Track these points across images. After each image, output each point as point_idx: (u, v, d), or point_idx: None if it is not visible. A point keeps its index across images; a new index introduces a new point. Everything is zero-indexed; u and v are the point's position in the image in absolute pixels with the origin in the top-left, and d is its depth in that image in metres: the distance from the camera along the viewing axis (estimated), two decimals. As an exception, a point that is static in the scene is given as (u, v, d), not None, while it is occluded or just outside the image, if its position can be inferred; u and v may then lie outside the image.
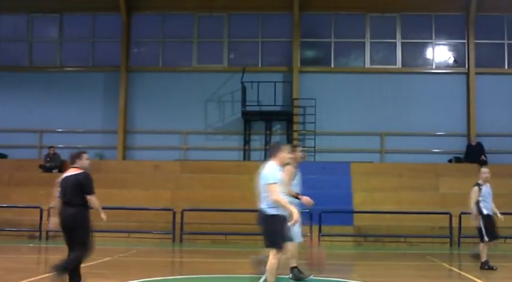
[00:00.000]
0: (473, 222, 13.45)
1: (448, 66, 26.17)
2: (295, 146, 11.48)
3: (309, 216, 19.00)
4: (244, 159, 25.59)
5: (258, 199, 9.07)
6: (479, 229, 13.26)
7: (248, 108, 25.06)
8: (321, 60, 26.67)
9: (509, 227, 19.19)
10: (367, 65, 26.12)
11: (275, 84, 25.21)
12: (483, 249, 13.28)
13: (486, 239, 13.17)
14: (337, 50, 26.33)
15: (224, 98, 25.89)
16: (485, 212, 13.24)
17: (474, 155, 24.12)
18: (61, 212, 9.69)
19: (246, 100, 25.06)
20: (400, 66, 26.00)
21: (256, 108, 25.02)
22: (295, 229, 10.34)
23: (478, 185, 13.38)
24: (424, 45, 26.34)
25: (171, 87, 26.15)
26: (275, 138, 25.70)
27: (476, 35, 25.63)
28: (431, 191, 22.59)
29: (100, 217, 9.87)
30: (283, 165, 9.37)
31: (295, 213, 8.72)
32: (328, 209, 19.77)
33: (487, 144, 24.52)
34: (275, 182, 8.82)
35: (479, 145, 24.43)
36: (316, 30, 26.58)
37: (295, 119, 25.32)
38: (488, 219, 13.23)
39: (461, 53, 26.04)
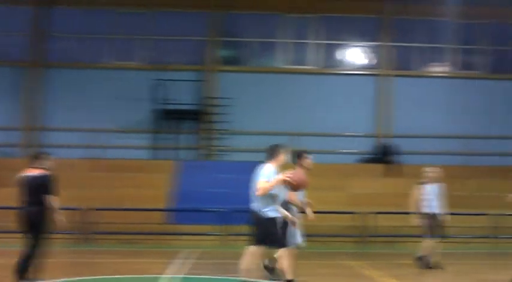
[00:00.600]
0: (415, 221, 13.45)
1: (361, 68, 26.58)
2: (304, 152, 10.87)
3: (219, 216, 18.91)
4: (155, 158, 25.24)
5: (252, 201, 9.42)
6: (423, 227, 13.33)
7: (160, 107, 24.75)
8: (238, 59, 26.62)
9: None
10: (283, 65, 26.21)
11: (188, 83, 25.00)
12: (426, 247, 13.33)
13: (428, 237, 13.23)
14: (254, 50, 26.34)
15: (136, 95, 25.38)
16: (427, 210, 13.28)
17: (382, 155, 24.60)
18: (21, 210, 10.02)
19: (158, 98, 24.74)
20: (315, 67, 26.22)
21: (169, 107, 24.71)
22: (294, 231, 10.49)
23: (422, 183, 13.44)
24: (338, 47, 26.66)
25: (84, 84, 25.49)
26: (187, 138, 25.49)
27: (390, 37, 26.14)
28: (339, 191, 22.79)
29: (56, 218, 10.16)
30: (281, 167, 9.52)
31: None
32: (240, 209, 19.67)
33: (400, 145, 25.02)
34: (264, 179, 9.10)
35: (388, 146, 24.92)
36: (234, 30, 26.51)
37: (209, 118, 25.17)
38: (430, 218, 13.24)
39: (374, 55, 26.53)
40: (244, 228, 19.57)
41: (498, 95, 26.19)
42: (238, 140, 25.25)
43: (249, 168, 23.96)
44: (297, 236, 10.66)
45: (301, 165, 10.21)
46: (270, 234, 9.30)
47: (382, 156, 24.71)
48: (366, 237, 20.23)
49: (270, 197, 9.32)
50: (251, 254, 9.52)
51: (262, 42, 26.32)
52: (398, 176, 23.54)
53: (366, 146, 25.62)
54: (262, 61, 26.59)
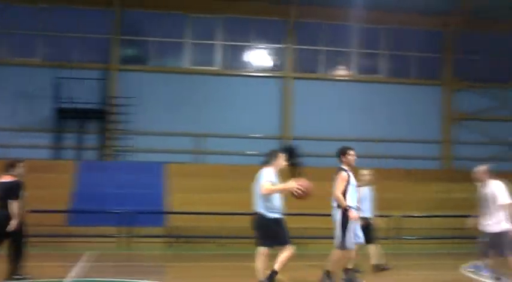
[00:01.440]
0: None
1: (266, 69, 26.77)
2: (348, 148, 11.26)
3: (120, 217, 18.61)
4: (56, 157, 24.59)
5: (254, 204, 9.95)
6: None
7: (62, 105, 24.13)
8: (142, 59, 26.33)
9: (327, 228, 20.03)
10: (188, 65, 26.06)
11: (91, 82, 24.51)
12: (372, 251, 13.14)
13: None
14: (159, 50, 26.09)
15: (38, 93, 24.66)
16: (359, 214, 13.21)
17: (289, 157, 24.77)
18: None
19: (61, 97, 24.12)
20: (221, 68, 26.21)
21: (71, 106, 24.12)
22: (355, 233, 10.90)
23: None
24: (244, 48, 26.74)
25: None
26: (90, 137, 24.99)
27: (295, 40, 26.42)
28: (247, 193, 22.79)
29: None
30: (279, 171, 10.07)
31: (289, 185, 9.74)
32: (139, 210, 19.49)
33: (303, 147, 25.29)
34: (267, 181, 9.74)
35: (294, 148, 25.14)
36: (139, 28, 26.16)
37: (111, 117, 24.75)
38: (361, 222, 12.87)
39: (279, 58, 26.77)
40: (146, 230, 19.61)
41: (399, 98, 26.89)
42: (141, 140, 24.92)
43: (151, 169, 23.94)
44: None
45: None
46: (273, 234, 9.80)
47: (287, 158, 24.83)
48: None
49: (272, 199, 9.88)
50: (261, 255, 9.98)
51: (167, 41, 26.06)
52: (302, 178, 23.74)
53: (271, 147, 25.66)
54: (168, 61, 26.37)
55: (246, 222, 20.11)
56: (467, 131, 27.38)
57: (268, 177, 9.85)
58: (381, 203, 17.26)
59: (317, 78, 26.64)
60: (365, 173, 13.44)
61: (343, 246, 10.53)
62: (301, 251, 18.63)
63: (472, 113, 27.41)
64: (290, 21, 26.18)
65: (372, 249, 13.06)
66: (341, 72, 27.56)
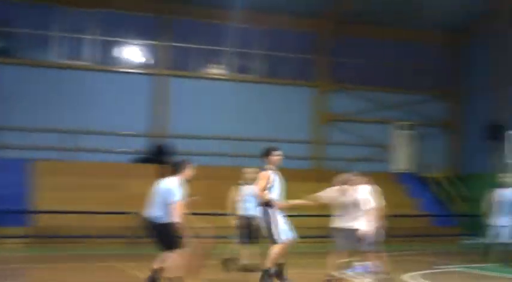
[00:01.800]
0: (232, 223, 13.08)
1: (139, 66, 26.30)
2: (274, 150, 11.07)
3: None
4: None
5: (148, 206, 9.79)
6: (237, 229, 13.00)
7: None
8: (8, 51, 24.83)
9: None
10: (57, 59, 25.05)
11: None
12: (242, 251, 12.99)
13: (239, 240, 12.95)
14: (26, 42, 24.89)
15: None
16: (241, 212, 12.98)
17: (157, 155, 24.49)
18: None
19: None
20: (91, 63, 25.40)
21: None
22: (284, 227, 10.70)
23: (238, 184, 13.18)
24: (116, 44, 26.10)
25: None
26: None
27: (169, 37, 26.10)
28: (112, 191, 22.33)
29: None
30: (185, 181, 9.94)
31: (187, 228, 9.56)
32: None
33: (176, 145, 25.02)
34: (180, 199, 9.56)
35: (163, 146, 24.88)
36: (6, 19, 24.79)
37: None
38: (244, 220, 12.93)
39: (152, 55, 26.37)
40: (9, 230, 18.75)
41: (273, 98, 27.15)
42: (6, 136, 23.76)
43: (14, 166, 22.89)
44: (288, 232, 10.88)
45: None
46: (167, 238, 9.69)
47: (158, 156, 24.55)
48: (140, 239, 19.93)
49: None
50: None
51: (36, 34, 24.94)
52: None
53: (142, 145, 25.35)
54: (36, 54, 25.23)
55: (116, 221, 19.90)
56: (339, 132, 27.99)
57: (179, 195, 9.71)
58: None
59: (191, 77, 26.42)
60: (249, 171, 13.26)
61: (276, 241, 10.53)
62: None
63: (345, 114, 28.07)
64: (165, 18, 25.79)
65: (249, 249, 12.98)
66: (216, 71, 27.50)
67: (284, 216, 10.85)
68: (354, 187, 11.49)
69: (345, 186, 10.98)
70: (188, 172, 10.10)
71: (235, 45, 27.11)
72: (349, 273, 11.85)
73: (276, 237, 10.55)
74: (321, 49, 27.88)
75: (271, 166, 10.88)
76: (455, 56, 29.80)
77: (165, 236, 9.75)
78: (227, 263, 13.11)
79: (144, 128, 25.52)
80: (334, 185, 10.96)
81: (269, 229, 10.61)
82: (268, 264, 10.53)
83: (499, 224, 14.41)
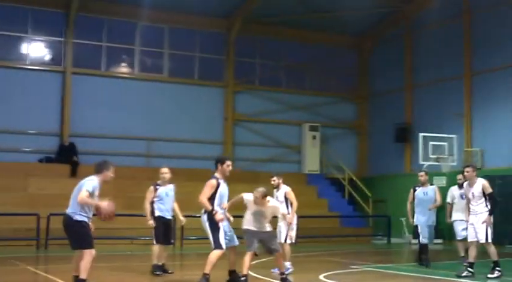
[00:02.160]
0: (149, 223, 12.69)
1: (44, 63, 25.40)
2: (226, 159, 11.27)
3: None
4: None
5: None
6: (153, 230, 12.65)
7: None
8: None
9: (128, 229, 19.41)
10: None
11: None
12: (155, 251, 12.61)
13: (155, 241, 12.61)
14: None
15: None
16: (157, 213, 12.65)
17: (66, 155, 23.79)
18: None
19: None
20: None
21: None
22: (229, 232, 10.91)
23: (154, 185, 12.83)
24: (19, 39, 25.09)
25: None
26: None
27: (75, 34, 25.31)
28: (19, 192, 21.53)
29: None
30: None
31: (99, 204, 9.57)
32: None
33: (80, 144, 24.35)
34: (87, 190, 9.51)
35: (72, 145, 24.19)
36: None
37: None
38: (159, 221, 12.61)
39: (58, 51, 25.51)
40: None
41: (182, 98, 26.83)
42: None
43: None
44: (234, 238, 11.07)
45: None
46: (78, 236, 9.61)
47: (65, 156, 23.81)
48: (48, 240, 19.25)
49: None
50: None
51: None
52: (80, 176, 22.96)
53: (50, 145, 24.48)
54: None
55: (22, 223, 19.14)
56: (248, 132, 27.99)
57: (89, 187, 9.62)
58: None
59: (98, 75, 25.72)
60: (164, 171, 13.03)
61: (216, 247, 10.64)
62: (104, 252, 17.95)
63: (254, 115, 28.07)
64: (71, 14, 24.96)
65: (161, 249, 12.66)
66: (123, 69, 26.95)
67: (227, 223, 10.95)
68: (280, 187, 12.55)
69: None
70: (108, 173, 9.98)
71: (145, 44, 26.70)
72: (276, 272, 11.87)
73: (216, 244, 10.67)
74: (230, 49, 27.79)
75: (219, 175, 10.98)
76: (363, 58, 30.39)
77: (74, 234, 9.66)
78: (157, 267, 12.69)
79: (52, 126, 24.64)
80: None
81: (211, 236, 10.74)
82: (207, 269, 10.61)
83: (418, 223, 14.64)
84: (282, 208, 12.35)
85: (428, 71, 26.85)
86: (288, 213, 12.76)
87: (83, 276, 9.48)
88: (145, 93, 26.22)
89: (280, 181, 13.18)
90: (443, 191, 24.06)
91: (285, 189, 13.08)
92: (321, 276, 12.20)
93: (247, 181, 22.73)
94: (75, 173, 23.37)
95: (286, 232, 12.96)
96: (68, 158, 23.66)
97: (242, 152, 27.73)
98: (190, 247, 20.50)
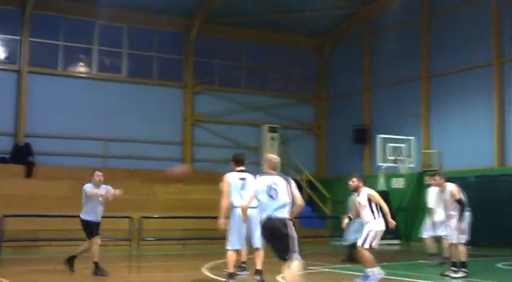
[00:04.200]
0: None
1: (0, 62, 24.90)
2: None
3: None
4: None
5: None
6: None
7: None
8: None
9: (49, 230, 19.05)
10: None
11: None
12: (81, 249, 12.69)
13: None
14: None
15: None
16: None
17: (21, 155, 23.34)
18: None
19: None
20: None
21: None
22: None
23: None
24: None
25: None
26: None
27: (31, 33, 24.83)
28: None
29: None
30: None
31: None
32: None
33: (37, 145, 23.90)
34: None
35: (27, 146, 23.73)
36: None
37: None
38: (88, 222, 12.59)
39: (14, 50, 25.00)
40: None
41: (141, 99, 26.54)
42: None
43: None
44: None
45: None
46: None
47: (20, 156, 23.35)
48: (1, 242, 18.80)
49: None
50: None
51: None
52: (35, 177, 22.62)
53: (4, 145, 23.97)
54: None
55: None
56: (207, 133, 27.82)
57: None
58: (123, 204, 17.04)
59: (55, 74, 25.28)
60: (99, 174, 12.81)
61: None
62: (32, 254, 17.61)
63: (213, 115, 27.93)
64: (27, 12, 24.49)
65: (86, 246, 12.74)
66: (81, 69, 26.56)
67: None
68: None
69: None
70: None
71: (103, 43, 26.36)
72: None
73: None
74: (189, 49, 27.60)
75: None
76: (323, 60, 30.44)
77: None
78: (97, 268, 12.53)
79: (8, 126, 24.13)
80: None
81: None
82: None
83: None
84: (367, 214, 11.77)
85: (387, 72, 27.03)
86: (374, 218, 11.74)
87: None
88: (104, 93, 25.85)
89: (361, 183, 12.00)
90: (401, 193, 24.43)
91: (367, 191, 11.90)
92: (279, 277, 12.11)
93: (205, 182, 22.63)
94: (31, 173, 22.96)
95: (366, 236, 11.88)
96: (23, 158, 23.21)
97: (201, 153, 27.57)
98: (148, 248, 20.29)
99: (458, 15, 24.26)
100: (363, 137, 27.20)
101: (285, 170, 28.50)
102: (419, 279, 12.28)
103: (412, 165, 23.84)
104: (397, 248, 22.25)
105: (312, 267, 14.50)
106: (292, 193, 8.81)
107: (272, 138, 28.41)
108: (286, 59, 29.81)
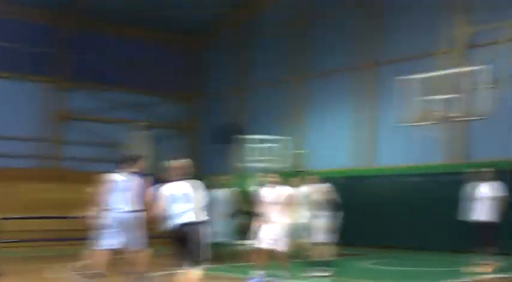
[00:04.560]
0: None
1: None
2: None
3: None
4: None
5: None
6: None
7: None
8: None
9: None
10: None
11: None
12: None
13: None
14: None
15: None
16: None
17: None
18: None
19: None
20: None
21: None
22: None
23: None
24: None
25: None
26: None
27: None
28: None
29: None
30: None
31: None
32: None
33: None
34: None
35: None
36: None
37: None
38: None
39: None
40: None
41: (5, 93, 25.25)
42: None
43: None
44: None
45: None
46: None
47: None
48: None
49: None
50: None
51: None
52: None
53: None
54: None
55: None
56: (76, 130, 26.99)
57: None
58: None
59: None
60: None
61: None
62: None
63: (82, 113, 27.11)
64: None
65: None
66: None
67: None
68: None
69: None
70: None
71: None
72: None
73: None
74: (60, 43, 26.61)
75: None
76: (194, 59, 30.22)
77: None
78: None
79: None
80: None
81: None
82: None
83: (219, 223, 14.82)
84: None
85: (261, 72, 27.13)
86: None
87: None
88: None
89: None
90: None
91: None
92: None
93: (74, 181, 21.88)
94: None
95: None
96: None
97: (70, 151, 26.69)
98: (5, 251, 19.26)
99: (334, 16, 24.60)
100: (232, 137, 27.13)
101: (155, 168, 28.07)
102: (285, 279, 12.22)
103: (284, 165, 24.01)
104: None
105: (173, 268, 14.20)
106: (196, 198, 9.18)
107: (143, 137, 27.79)
108: (160, 57, 29.36)
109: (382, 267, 15.80)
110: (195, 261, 8.88)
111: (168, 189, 9.14)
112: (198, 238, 8.91)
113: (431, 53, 20.27)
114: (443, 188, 19.73)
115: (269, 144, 23.73)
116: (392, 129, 21.65)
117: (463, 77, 16.22)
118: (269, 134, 24.22)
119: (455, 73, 16.65)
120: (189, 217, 8.93)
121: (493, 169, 14.75)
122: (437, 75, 16.75)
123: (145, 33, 28.53)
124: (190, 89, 30.32)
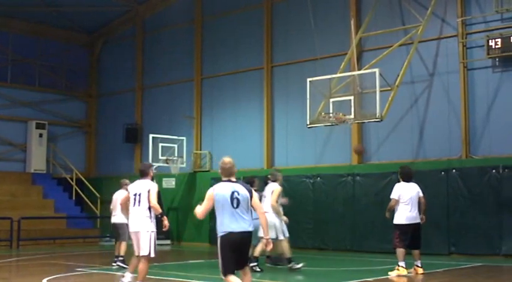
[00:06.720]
0: None
1: None
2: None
3: None
4: None
5: None
6: None
7: None
8: None
9: None
10: None
11: None
12: None
13: None
14: None
15: None
16: None
17: None
18: None
19: None
20: None
21: None
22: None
23: None
24: None
25: None
26: None
27: None
28: None
29: None
30: None
31: None
32: None
33: None
34: None
35: None
36: None
37: None
38: None
39: None
40: None
41: None
42: None
43: None
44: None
45: None
46: None
47: None
48: None
49: None
50: None
51: None
52: None
53: None
54: None
55: None
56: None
57: None
58: None
59: None
60: None
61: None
62: None
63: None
64: None
65: None
66: None
67: None
68: None
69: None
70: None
71: None
72: None
73: None
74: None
75: None
76: (94, 57, 29.75)
77: None
78: None
79: None
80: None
81: None
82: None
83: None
84: None
85: (160, 72, 27.00)
86: None
87: None
88: None
89: None
90: (172, 193, 24.81)
91: None
92: (44, 281, 11.65)
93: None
94: None
95: None
96: None
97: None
98: None
99: (231, 18, 24.80)
100: (134, 136, 26.98)
101: (53, 168, 27.59)
102: (192, 279, 12.37)
103: (183, 166, 24.08)
104: (168, 248, 22.35)
105: (80, 269, 14.13)
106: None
107: (40, 135, 27.22)
108: (57, 54, 28.75)
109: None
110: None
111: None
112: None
113: (326, 56, 20.83)
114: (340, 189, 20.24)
115: (168, 144, 23.75)
116: (288, 131, 22.17)
117: (356, 81, 16.73)
118: (168, 134, 24.22)
119: (350, 76, 17.18)
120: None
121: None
122: (331, 78, 17.23)
123: (43, 29, 27.84)
124: (90, 88, 29.82)
